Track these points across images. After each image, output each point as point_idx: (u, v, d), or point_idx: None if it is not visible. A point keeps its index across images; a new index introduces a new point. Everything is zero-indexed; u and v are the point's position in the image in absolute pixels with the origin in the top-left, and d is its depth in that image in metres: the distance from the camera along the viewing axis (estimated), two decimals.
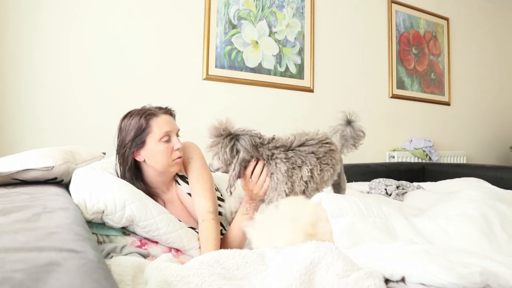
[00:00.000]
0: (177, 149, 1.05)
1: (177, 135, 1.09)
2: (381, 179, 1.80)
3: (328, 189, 1.08)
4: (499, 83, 3.79)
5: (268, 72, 2.42)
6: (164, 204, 1.09)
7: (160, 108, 1.10)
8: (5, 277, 0.33)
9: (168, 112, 1.10)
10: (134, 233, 0.98)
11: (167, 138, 1.04)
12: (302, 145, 0.93)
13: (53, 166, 1.00)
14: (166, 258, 0.71)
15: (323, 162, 0.93)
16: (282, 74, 2.47)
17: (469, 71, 3.53)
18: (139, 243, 0.96)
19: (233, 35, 2.29)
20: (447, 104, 3.35)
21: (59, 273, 0.35)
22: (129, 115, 1.05)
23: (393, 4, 3.02)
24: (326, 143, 0.96)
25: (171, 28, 2.11)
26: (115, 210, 0.91)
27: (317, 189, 0.95)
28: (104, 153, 1.37)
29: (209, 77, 2.19)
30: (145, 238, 0.97)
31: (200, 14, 2.19)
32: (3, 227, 0.51)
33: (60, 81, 1.82)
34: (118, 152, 1.05)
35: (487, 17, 3.70)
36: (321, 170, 0.93)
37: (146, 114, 1.04)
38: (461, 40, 3.48)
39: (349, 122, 1.09)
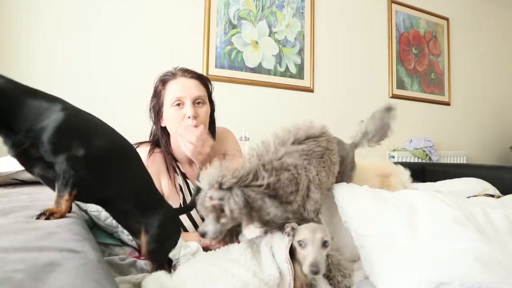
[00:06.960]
0: (189, 117, 0.95)
1: (197, 103, 0.99)
2: None
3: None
4: (499, 83, 3.79)
5: (268, 72, 2.41)
6: (183, 177, 1.02)
7: (185, 71, 1.01)
8: (5, 277, 0.33)
9: (192, 75, 1.01)
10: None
11: (178, 103, 0.96)
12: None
13: None
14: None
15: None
16: (282, 74, 2.47)
17: (469, 71, 3.53)
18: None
19: (233, 35, 2.29)
20: (447, 104, 3.35)
21: (59, 273, 0.35)
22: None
23: (393, 4, 3.02)
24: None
25: (171, 28, 2.10)
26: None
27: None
28: None
29: (209, 77, 2.19)
30: None
31: (200, 14, 2.19)
32: (3, 227, 0.51)
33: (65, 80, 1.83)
34: (150, 117, 1.05)
35: (487, 17, 3.70)
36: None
37: (164, 76, 1.00)
38: (461, 40, 3.47)
39: (389, 109, 1.02)
